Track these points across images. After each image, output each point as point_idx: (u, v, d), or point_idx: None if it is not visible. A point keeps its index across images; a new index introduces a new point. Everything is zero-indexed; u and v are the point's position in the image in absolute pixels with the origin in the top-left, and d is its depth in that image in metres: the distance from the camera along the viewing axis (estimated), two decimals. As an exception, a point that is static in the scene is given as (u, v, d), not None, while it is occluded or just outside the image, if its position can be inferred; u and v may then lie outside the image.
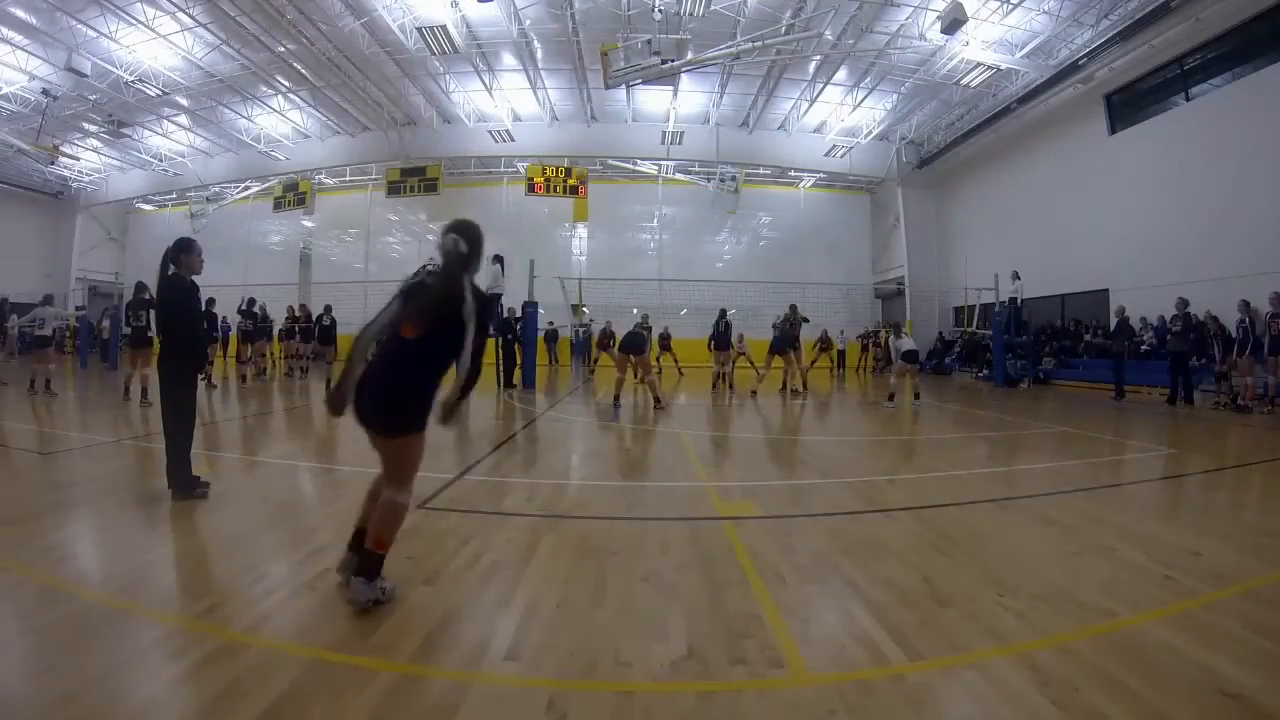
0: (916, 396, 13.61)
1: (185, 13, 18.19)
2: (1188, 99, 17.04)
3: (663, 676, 2.54)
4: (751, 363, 16.62)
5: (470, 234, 3.31)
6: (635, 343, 12.32)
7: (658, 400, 11.95)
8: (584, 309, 24.81)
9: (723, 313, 16.36)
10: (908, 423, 10.74)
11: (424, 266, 3.31)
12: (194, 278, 5.13)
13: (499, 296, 16.46)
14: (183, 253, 5.08)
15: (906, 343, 13.04)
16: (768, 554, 3.97)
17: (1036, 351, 20.07)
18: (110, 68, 20.50)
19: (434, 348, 3.15)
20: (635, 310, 20.40)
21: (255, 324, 17.60)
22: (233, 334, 19.13)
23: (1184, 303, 14.17)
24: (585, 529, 4.55)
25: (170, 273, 5.04)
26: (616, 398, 12.32)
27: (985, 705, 2.38)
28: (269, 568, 3.72)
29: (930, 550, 4.08)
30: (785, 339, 15.06)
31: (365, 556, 3.10)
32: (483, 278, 12.55)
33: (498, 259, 16.56)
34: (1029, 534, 4.52)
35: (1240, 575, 3.64)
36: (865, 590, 3.42)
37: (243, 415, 10.90)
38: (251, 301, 17.69)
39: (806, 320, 16.45)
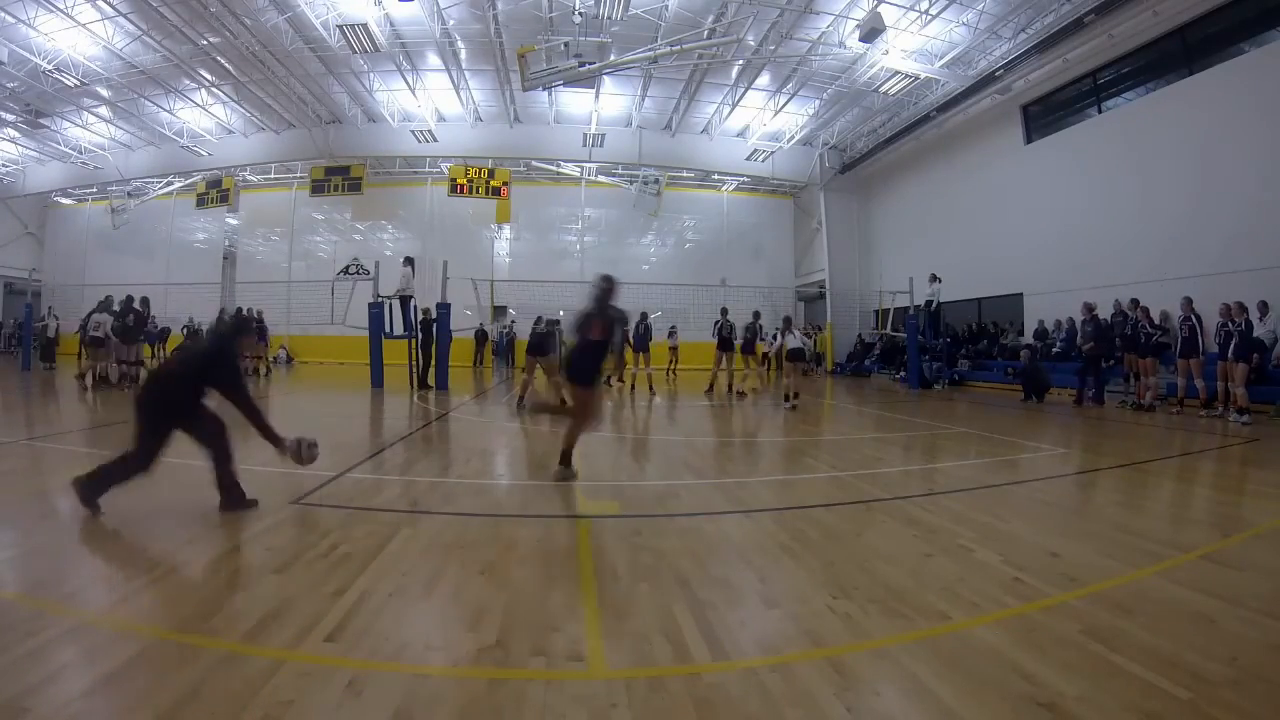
0: (795, 396, 12.64)
1: (105, 1, 17.45)
2: (1100, 111, 17.61)
3: (462, 663, 2.59)
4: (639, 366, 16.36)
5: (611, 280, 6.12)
6: (542, 345, 11.99)
7: (563, 402, 11.61)
8: (510, 310, 24.41)
9: (644, 315, 16.29)
10: (805, 424, 10.65)
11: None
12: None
13: (411, 297, 16.13)
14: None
15: (793, 340, 12.99)
16: (611, 552, 3.96)
17: (952, 353, 20.32)
18: (28, 55, 19.48)
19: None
20: (561, 311, 19.99)
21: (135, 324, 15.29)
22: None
23: (1090, 307, 14.48)
24: (444, 524, 4.57)
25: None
26: (521, 398, 12.05)
27: (773, 706, 2.29)
28: (137, 555, 3.85)
29: (779, 551, 4.00)
30: (727, 341, 15.21)
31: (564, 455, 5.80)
32: (393, 280, 12.34)
33: (408, 261, 16.27)
34: (888, 535, 4.39)
35: (1092, 577, 3.55)
36: (696, 590, 3.35)
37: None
38: (129, 300, 15.29)
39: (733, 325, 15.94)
